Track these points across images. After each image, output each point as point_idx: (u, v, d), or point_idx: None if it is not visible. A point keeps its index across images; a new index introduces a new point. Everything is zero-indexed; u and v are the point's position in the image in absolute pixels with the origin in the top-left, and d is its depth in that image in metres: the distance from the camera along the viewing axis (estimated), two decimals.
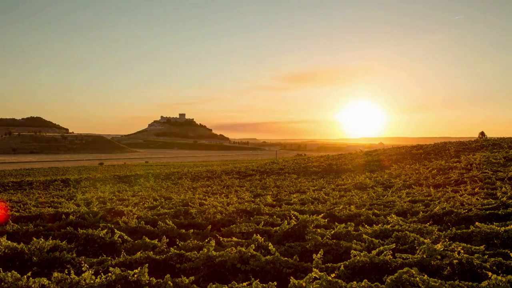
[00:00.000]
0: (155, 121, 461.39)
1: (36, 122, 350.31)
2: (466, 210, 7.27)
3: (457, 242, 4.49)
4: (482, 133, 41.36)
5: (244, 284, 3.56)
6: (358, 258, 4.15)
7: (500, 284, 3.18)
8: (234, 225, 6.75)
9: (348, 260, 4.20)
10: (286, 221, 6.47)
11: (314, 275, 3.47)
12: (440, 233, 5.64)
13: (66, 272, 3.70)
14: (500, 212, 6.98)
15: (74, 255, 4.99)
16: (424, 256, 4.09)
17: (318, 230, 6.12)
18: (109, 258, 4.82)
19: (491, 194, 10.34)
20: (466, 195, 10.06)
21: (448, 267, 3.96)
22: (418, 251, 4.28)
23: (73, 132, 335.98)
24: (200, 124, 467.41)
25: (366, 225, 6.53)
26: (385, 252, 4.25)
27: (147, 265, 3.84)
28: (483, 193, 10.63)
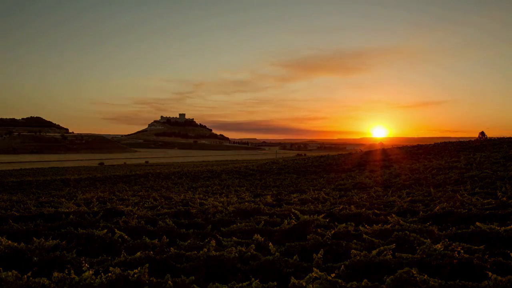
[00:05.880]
0: (155, 121, 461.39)
1: (36, 122, 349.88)
2: (466, 210, 7.27)
3: (457, 242, 4.49)
4: (482, 133, 41.37)
5: (244, 284, 3.56)
6: (358, 257, 4.15)
7: (500, 284, 3.18)
8: (234, 225, 6.76)
9: (348, 260, 4.21)
10: (286, 221, 6.47)
11: (314, 274, 3.47)
12: (440, 233, 5.65)
13: (66, 272, 3.70)
14: (500, 212, 6.99)
15: (74, 255, 4.99)
16: (424, 256, 4.10)
17: (319, 230, 6.12)
18: (109, 257, 4.82)
19: (491, 194, 10.34)
20: (466, 195, 10.06)
21: (448, 267, 3.96)
22: (418, 251, 4.28)
23: (73, 132, 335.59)
24: (200, 124, 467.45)
25: (366, 225, 6.53)
26: (385, 252, 4.25)
27: (147, 265, 3.84)
28: (483, 193, 10.64)
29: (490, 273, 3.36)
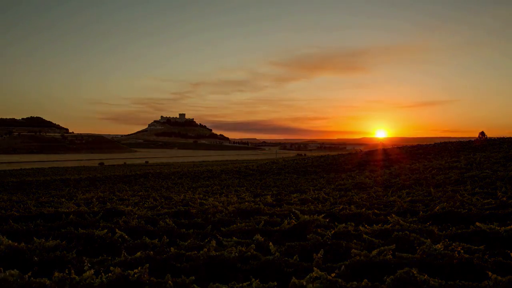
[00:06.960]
0: (155, 121, 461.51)
1: (36, 122, 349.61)
2: (466, 210, 7.28)
3: (457, 242, 4.50)
4: (482, 133, 41.37)
5: (245, 284, 3.56)
6: (358, 257, 4.15)
7: (500, 284, 3.18)
8: (234, 225, 6.76)
9: (349, 260, 4.21)
10: (286, 221, 6.47)
11: (314, 274, 3.47)
12: (440, 233, 5.65)
13: (67, 272, 3.70)
14: (500, 212, 6.99)
15: (75, 255, 4.99)
16: (424, 256, 4.10)
17: (319, 230, 6.12)
18: (110, 257, 4.83)
19: (491, 194, 10.34)
20: (466, 195, 10.07)
21: (448, 267, 3.96)
22: (418, 251, 4.28)
23: (73, 132, 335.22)
24: (200, 124, 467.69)
25: (366, 225, 6.53)
26: (385, 251, 4.25)
27: (147, 265, 3.83)
28: (483, 193, 10.65)
29: (490, 273, 3.36)
